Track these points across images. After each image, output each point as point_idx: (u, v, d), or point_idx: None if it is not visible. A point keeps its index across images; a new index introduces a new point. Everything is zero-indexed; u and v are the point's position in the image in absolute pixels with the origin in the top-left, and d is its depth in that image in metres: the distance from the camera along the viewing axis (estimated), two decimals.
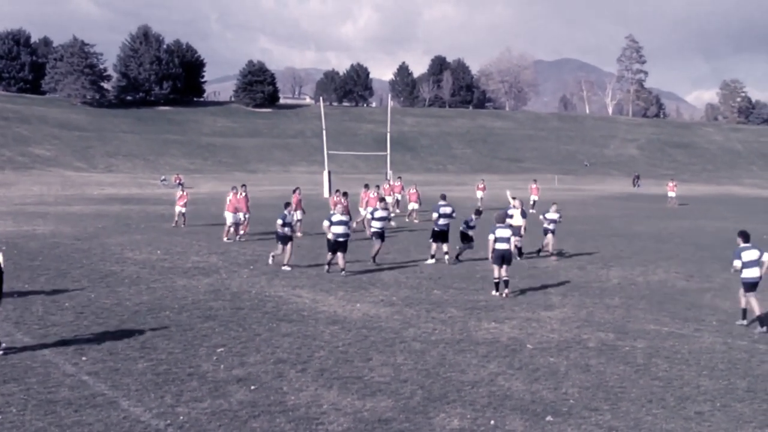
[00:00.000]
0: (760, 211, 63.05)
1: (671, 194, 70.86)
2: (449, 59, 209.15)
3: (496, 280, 22.81)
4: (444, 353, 15.97)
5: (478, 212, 30.46)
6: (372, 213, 30.90)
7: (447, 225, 29.60)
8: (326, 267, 26.42)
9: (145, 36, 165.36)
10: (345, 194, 36.36)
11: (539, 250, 31.69)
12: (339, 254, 25.80)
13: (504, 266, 22.63)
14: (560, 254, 31.95)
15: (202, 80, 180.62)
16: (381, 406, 12.61)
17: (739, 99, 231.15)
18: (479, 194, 59.44)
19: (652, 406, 13.16)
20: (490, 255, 22.86)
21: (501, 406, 12.81)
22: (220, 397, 12.85)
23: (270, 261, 27.54)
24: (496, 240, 22.60)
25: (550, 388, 13.90)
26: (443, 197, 30.74)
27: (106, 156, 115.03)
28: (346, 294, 22.29)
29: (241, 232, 35.56)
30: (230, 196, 35.98)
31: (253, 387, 13.41)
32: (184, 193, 41.92)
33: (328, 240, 26.14)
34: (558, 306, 21.49)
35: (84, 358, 14.93)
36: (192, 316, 19.02)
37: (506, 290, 22.56)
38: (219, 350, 15.76)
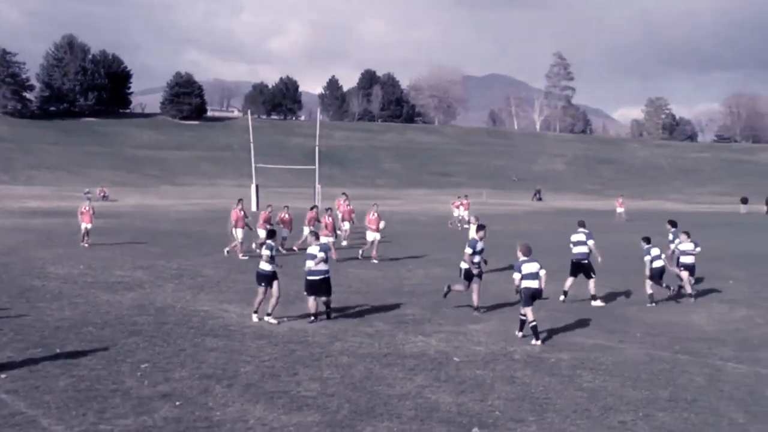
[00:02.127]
0: (685, 226, 64.06)
1: (619, 210, 72.20)
2: (379, 73, 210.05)
3: (533, 323, 18.85)
4: (371, 367, 15.95)
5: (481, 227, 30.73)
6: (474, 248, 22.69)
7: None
8: (311, 318, 20.60)
9: (70, 46, 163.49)
10: (328, 209, 36.09)
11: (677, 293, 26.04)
12: (321, 298, 20.88)
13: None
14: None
15: (129, 92, 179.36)
16: (308, 421, 12.54)
17: (663, 116, 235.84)
18: (459, 212, 57.80)
19: (576, 416, 13.27)
20: (518, 295, 19.37)
21: (428, 419, 12.81)
22: (144, 413, 12.65)
23: (255, 318, 20.61)
24: (523, 278, 19.00)
25: (477, 400, 13.95)
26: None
27: (27, 168, 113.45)
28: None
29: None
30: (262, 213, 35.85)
31: (178, 403, 13.23)
32: (89, 209, 38.54)
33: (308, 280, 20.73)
34: (485, 319, 21.60)
35: (3, 376, 14.61)
36: (115, 332, 18.74)
37: (538, 341, 18.70)
38: (143, 366, 15.53)
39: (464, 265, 22.48)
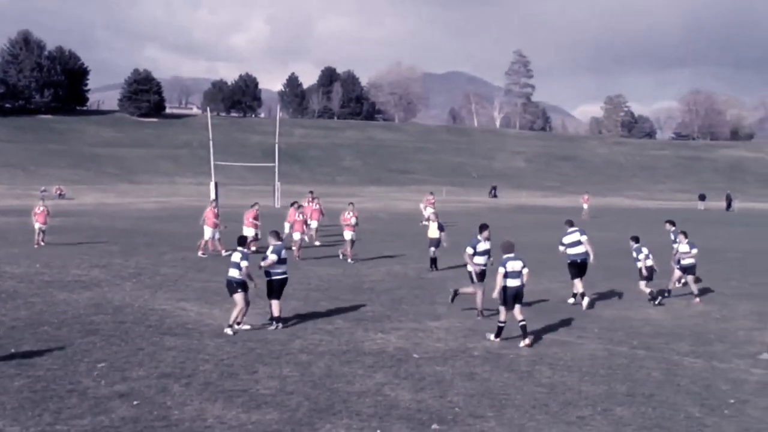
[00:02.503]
0: (644, 221, 64.60)
1: (585, 206, 72.35)
2: (339, 71, 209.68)
3: (502, 324, 18.55)
4: (330, 364, 15.91)
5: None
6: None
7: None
8: (274, 325, 19.61)
9: (26, 41, 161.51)
10: (299, 206, 35.71)
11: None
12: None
13: (517, 306, 18.60)
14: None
15: (86, 88, 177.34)
16: (267, 419, 12.49)
17: (622, 113, 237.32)
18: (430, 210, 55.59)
19: (535, 411, 13.32)
20: (497, 294, 18.51)
21: (387, 416, 12.81)
22: (102, 413, 12.54)
23: (230, 331, 18.84)
24: (506, 275, 18.45)
25: (436, 396, 13.97)
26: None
27: None
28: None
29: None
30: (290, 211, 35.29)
31: (135, 402, 13.12)
32: (43, 209, 37.57)
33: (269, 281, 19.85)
34: (444, 316, 21.63)
35: None
36: (72, 331, 18.57)
37: (527, 339, 18.34)
38: (100, 365, 15.39)
39: (471, 269, 21.92)
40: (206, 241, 34.15)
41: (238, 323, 19.04)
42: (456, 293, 22.33)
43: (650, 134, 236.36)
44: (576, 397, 14.21)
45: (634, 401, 14.08)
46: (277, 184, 75.30)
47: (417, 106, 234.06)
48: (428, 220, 31.66)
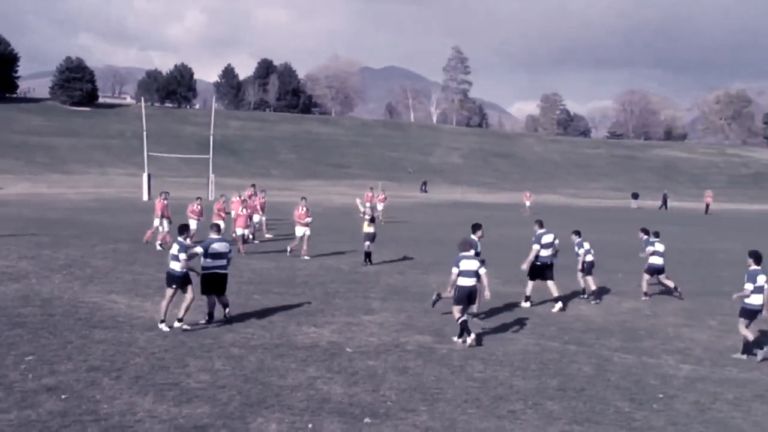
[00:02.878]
0: (580, 219, 65.24)
1: (527, 203, 72.97)
2: (276, 63, 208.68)
3: (462, 319, 18.06)
4: (263, 358, 15.83)
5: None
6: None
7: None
8: (206, 318, 19.31)
9: None
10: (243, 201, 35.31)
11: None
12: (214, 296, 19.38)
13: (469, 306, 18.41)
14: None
15: (16, 75, 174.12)
16: (198, 413, 12.39)
17: (558, 112, 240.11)
18: (380, 206, 54.83)
19: (467, 406, 13.39)
20: (450, 292, 18.41)
21: (319, 410, 12.77)
22: (28, 407, 12.32)
23: (164, 326, 18.24)
24: (460, 274, 18.07)
25: (369, 390, 13.97)
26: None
27: None
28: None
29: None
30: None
31: (64, 396, 12.93)
32: None
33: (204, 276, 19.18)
34: (378, 310, 21.64)
35: None
36: None
37: (460, 339, 18.03)
38: (27, 359, 15.12)
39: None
40: (166, 233, 33.37)
41: (180, 320, 18.28)
42: (439, 297, 20.97)
43: (585, 133, 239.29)
44: (508, 392, 14.30)
45: (565, 395, 14.22)
46: (212, 176, 74.71)
47: (354, 100, 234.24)
48: (364, 214, 31.55)
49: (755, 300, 17.81)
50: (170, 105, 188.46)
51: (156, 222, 34.08)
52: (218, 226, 20.53)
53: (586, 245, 25.07)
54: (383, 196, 57.22)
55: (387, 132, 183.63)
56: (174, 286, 18.44)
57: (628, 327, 20.89)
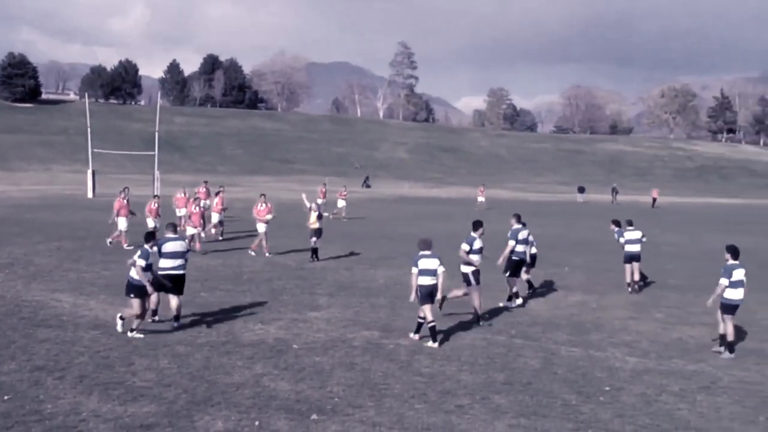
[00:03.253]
0: (531, 213, 65.57)
1: (480, 198, 72.41)
2: (222, 58, 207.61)
3: (432, 324, 17.63)
4: (209, 356, 15.73)
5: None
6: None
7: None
8: (153, 318, 18.76)
9: None
10: (196, 199, 33.97)
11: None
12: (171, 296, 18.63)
13: (427, 306, 17.73)
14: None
15: None
16: (143, 412, 12.27)
17: (504, 106, 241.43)
18: (341, 203, 54.35)
19: (414, 401, 13.40)
20: (413, 294, 17.81)
21: (266, 407, 12.72)
22: None
23: (120, 326, 17.57)
24: (420, 273, 17.65)
25: (316, 387, 13.93)
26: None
27: None
28: (109, 297, 21.53)
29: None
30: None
31: (6, 397, 12.74)
32: None
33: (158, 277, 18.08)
34: (325, 306, 21.59)
35: None
36: None
37: (435, 343, 17.55)
38: None
39: (466, 269, 20.53)
40: (123, 232, 32.64)
41: (132, 330, 17.27)
42: (444, 299, 19.74)
43: (532, 127, 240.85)
44: (455, 386, 14.34)
45: (512, 389, 14.29)
46: (157, 173, 74.03)
47: (300, 95, 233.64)
48: (310, 209, 31.24)
49: (734, 294, 17.69)
50: (115, 101, 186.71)
51: (122, 222, 32.86)
52: (174, 225, 19.97)
53: (530, 238, 25.08)
54: (345, 192, 56.06)
55: (333, 127, 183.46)
56: (132, 295, 17.27)
57: (575, 320, 21.05)
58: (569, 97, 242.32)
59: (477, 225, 21.01)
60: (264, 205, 32.35)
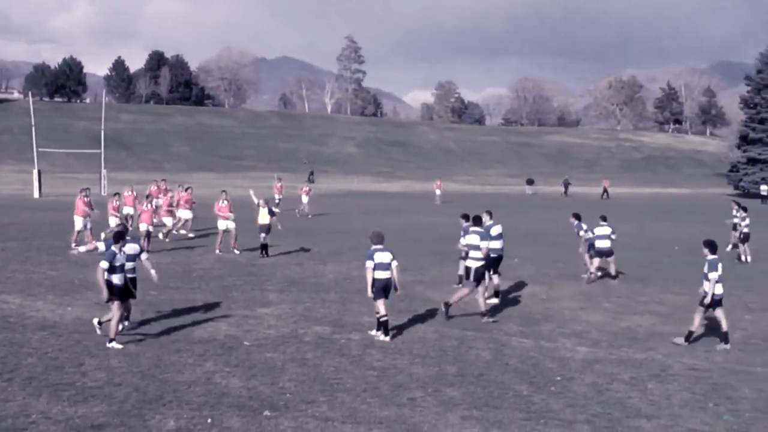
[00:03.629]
0: (475, 207, 65.88)
1: (437, 192, 72.63)
2: (168, 55, 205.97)
3: (384, 318, 17.79)
4: (159, 354, 15.62)
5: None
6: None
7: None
8: (121, 325, 17.26)
9: None
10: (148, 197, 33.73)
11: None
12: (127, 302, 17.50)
13: (381, 300, 17.79)
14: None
15: None
16: (94, 412, 12.17)
17: (452, 100, 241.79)
18: (305, 198, 52.74)
19: (367, 395, 13.42)
20: (369, 288, 17.73)
21: (218, 404, 12.67)
22: None
23: (114, 345, 16.23)
24: (375, 267, 17.67)
25: (267, 383, 13.91)
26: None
27: None
28: (57, 298, 21.31)
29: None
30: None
31: None
32: None
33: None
34: (275, 302, 21.53)
35: None
36: None
37: (386, 336, 17.73)
38: None
39: (473, 264, 19.99)
40: (78, 233, 32.10)
41: (111, 340, 16.24)
42: (448, 306, 20.01)
43: (480, 120, 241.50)
44: (407, 380, 14.38)
45: (464, 381, 14.36)
46: (104, 171, 73.36)
47: (247, 91, 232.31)
48: (258, 205, 31.10)
49: (718, 289, 17.62)
50: (60, 99, 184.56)
51: (78, 223, 32.14)
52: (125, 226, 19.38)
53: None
54: (307, 188, 55.16)
55: (281, 123, 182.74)
56: (111, 299, 16.41)
57: (525, 312, 21.20)
58: (517, 89, 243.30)
59: (477, 220, 21.03)
60: (225, 201, 32.14)
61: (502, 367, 15.43)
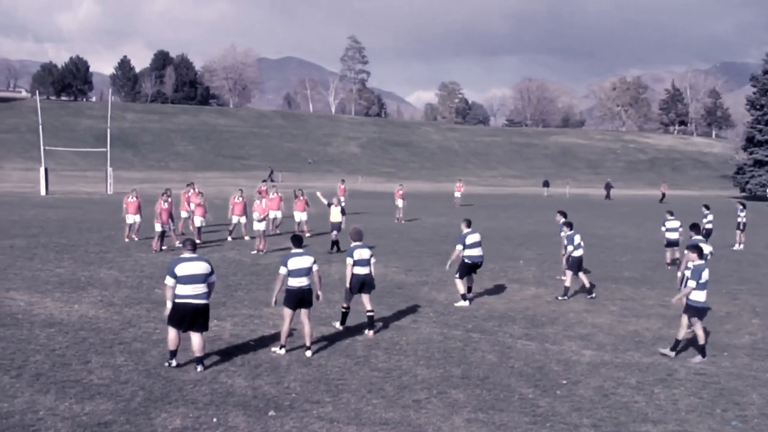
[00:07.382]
0: (491, 209, 65.86)
1: (457, 194, 70.89)
2: (173, 54, 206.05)
3: (345, 310, 18.69)
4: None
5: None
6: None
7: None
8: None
9: None
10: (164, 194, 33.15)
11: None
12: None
13: (366, 295, 18.33)
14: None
15: None
16: (100, 409, 12.21)
17: (456, 100, 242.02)
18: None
19: (371, 396, 13.45)
20: (348, 283, 18.22)
21: (223, 403, 12.71)
22: None
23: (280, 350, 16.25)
24: (354, 263, 18.09)
25: (273, 383, 13.94)
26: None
27: None
28: (63, 295, 21.38)
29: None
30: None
31: None
32: None
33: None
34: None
35: None
36: None
37: (371, 331, 18.24)
38: None
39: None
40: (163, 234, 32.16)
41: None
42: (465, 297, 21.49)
43: (483, 121, 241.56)
44: (412, 381, 14.40)
45: (469, 383, 14.37)
46: (109, 170, 73.44)
47: (251, 91, 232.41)
48: (330, 204, 31.91)
49: (700, 297, 16.76)
50: (66, 98, 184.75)
51: (129, 219, 33.77)
52: (194, 242, 18.15)
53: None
54: (401, 190, 54.08)
55: (285, 123, 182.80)
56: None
57: (530, 314, 21.17)
58: (521, 90, 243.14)
59: (469, 223, 22.64)
60: (240, 198, 33.65)
61: (507, 369, 15.43)
